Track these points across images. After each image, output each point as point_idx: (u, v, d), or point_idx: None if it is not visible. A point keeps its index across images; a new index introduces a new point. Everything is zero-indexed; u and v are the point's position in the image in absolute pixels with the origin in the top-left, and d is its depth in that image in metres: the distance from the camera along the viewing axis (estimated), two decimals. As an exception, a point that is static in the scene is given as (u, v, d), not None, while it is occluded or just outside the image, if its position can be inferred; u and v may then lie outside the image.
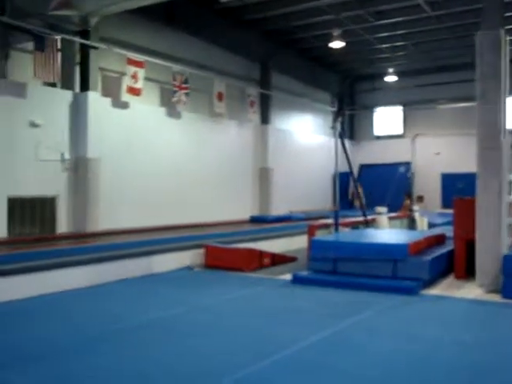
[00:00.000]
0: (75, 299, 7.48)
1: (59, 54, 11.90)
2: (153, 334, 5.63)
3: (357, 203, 18.69)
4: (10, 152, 10.94)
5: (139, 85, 13.24)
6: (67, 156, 12.01)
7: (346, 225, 11.78)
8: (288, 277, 9.02)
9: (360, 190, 16.70)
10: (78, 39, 12.19)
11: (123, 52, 13.00)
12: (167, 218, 13.94)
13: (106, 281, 8.63)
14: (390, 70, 22.37)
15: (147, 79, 13.70)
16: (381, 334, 5.64)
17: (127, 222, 12.90)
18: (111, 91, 13.42)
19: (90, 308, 6.94)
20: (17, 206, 10.95)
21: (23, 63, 11.56)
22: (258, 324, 6.08)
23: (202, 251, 10.56)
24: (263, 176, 18.56)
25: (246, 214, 16.62)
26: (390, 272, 8.15)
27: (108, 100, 13.10)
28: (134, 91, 13.20)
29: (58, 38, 11.66)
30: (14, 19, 10.96)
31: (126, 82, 13.15)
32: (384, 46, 19.53)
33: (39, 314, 6.57)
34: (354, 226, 12.30)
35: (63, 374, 4.41)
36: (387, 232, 11.12)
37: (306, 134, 21.80)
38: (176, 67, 14.43)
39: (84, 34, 12.20)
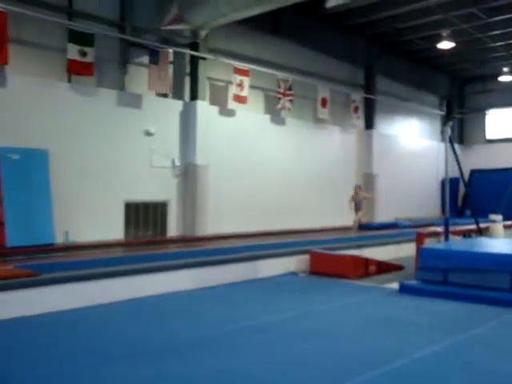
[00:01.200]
0: (184, 301, 7.75)
1: (171, 66, 12.57)
2: (261, 337, 5.72)
3: (468, 211, 17.77)
4: (127, 159, 11.71)
5: (245, 93, 13.59)
6: (178, 163, 12.61)
7: (457, 233, 11.25)
8: (395, 286, 8.77)
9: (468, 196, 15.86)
10: (188, 51, 12.78)
11: (230, 61, 13.43)
12: (270, 224, 14.14)
13: (213, 284, 8.89)
14: (505, 70, 21.07)
15: (252, 87, 14.03)
16: (499, 352, 5.32)
17: (232, 227, 13.26)
18: (218, 100, 13.89)
19: (199, 310, 7.17)
20: (132, 210, 11.69)
21: (139, 76, 12.31)
22: (365, 333, 5.98)
23: (306, 257, 10.57)
24: (367, 182, 18.24)
25: (349, 221, 16.42)
26: (508, 284, 7.66)
27: (215, 108, 13.58)
28: (240, 99, 13.57)
29: (171, 51, 12.31)
30: (132, 36, 11.76)
31: (232, 90, 13.56)
32: (498, 44, 18.45)
33: (153, 314, 6.90)
34: (466, 234, 11.71)
35: (183, 373, 4.61)
36: (504, 241, 10.47)
37: (411, 138, 21.13)
38: (280, 74, 14.64)
39: (194, 46, 12.78)
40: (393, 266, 10.76)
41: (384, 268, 10.48)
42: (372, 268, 10.21)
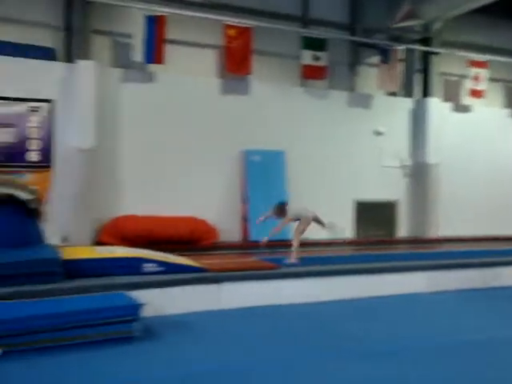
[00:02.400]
0: (415, 304, 7.51)
1: (401, 64, 12.35)
2: (492, 353, 5.23)
3: None
4: (357, 159, 11.88)
5: (482, 86, 12.66)
6: (407, 162, 12.34)
7: None
8: None
9: None
10: (419, 47, 12.40)
11: (465, 54, 12.65)
12: (501, 229, 12.84)
13: (443, 289, 8.44)
14: None
15: (490, 80, 12.98)
16: None
17: (462, 230, 12.43)
18: (451, 95, 13.17)
19: (429, 314, 6.89)
20: (362, 210, 11.81)
21: (368, 76, 12.38)
22: None
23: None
24: None
25: None
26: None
27: (448, 105, 12.93)
28: (477, 94, 12.70)
29: (401, 48, 12.10)
30: (362, 37, 11.90)
31: (468, 84, 12.75)
32: None
33: (384, 314, 6.82)
34: None
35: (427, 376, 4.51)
36: None
37: None
38: (524, 63, 13.27)
39: (424, 41, 12.35)
40: None
41: None
42: None
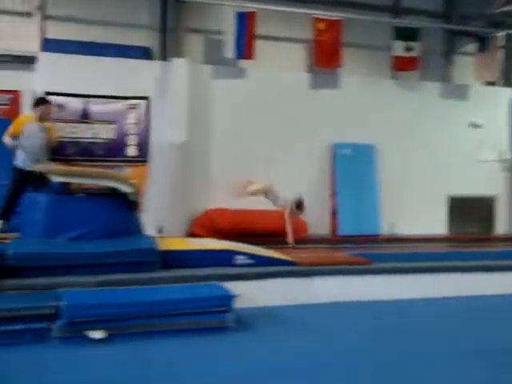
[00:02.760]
0: None
1: (500, 52, 11.70)
2: None
3: None
4: (452, 152, 11.39)
5: None
6: (507, 155, 11.68)
7: None
8: None
9: None
10: (522, 33, 11.69)
11: None
12: None
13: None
14: None
15: None
16: None
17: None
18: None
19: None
20: (456, 205, 11.33)
21: (464, 66, 11.85)
22: None
23: None
24: None
25: None
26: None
27: None
28: None
29: (501, 35, 11.45)
30: (458, 25, 11.41)
31: None
32: None
33: (484, 313, 6.54)
34: None
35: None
36: None
37: None
38: None
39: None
40: None
41: None
42: None
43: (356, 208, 10.27)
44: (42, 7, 9.86)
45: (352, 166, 10.52)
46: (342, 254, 7.97)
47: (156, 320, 5.03)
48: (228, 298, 5.32)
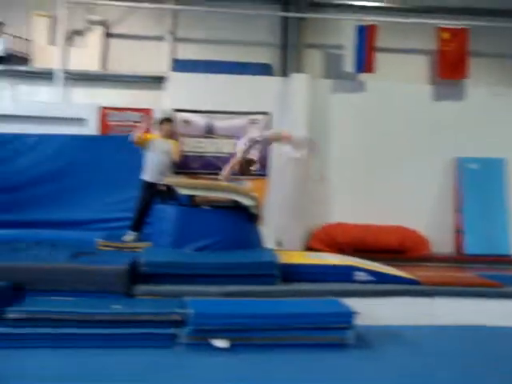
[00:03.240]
0: None
1: None
2: None
3: None
4: None
5: None
6: None
7: None
8: None
9: None
10: None
11: None
12: None
13: None
14: None
15: None
16: None
17: None
18: None
19: None
20: None
21: None
22: None
23: None
24: None
25: None
26: None
27: None
28: None
29: None
30: None
31: None
32: None
33: None
34: None
35: None
36: None
37: None
38: None
39: None
40: None
41: None
42: None
43: (484, 226, 9.68)
44: (173, 32, 10.53)
45: (480, 182, 9.97)
46: (470, 275, 7.52)
47: (277, 333, 5.07)
48: (348, 314, 5.24)
